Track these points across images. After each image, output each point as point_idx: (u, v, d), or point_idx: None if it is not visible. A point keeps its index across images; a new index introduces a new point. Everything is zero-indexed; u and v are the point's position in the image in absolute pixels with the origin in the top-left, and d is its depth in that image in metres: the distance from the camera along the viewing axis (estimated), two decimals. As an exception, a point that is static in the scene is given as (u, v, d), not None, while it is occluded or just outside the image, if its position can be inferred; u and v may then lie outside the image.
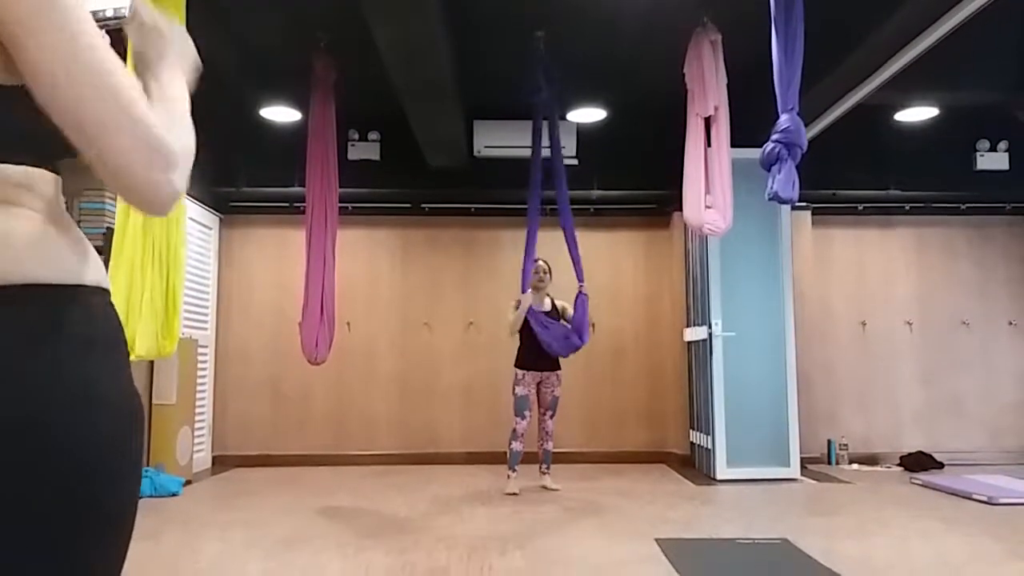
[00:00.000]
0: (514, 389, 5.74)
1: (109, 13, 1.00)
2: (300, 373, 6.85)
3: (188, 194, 6.31)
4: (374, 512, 5.02)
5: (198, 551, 3.86)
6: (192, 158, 0.93)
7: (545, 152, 5.71)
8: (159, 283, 3.38)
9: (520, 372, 5.74)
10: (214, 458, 7.02)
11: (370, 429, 7.25)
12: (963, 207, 7.42)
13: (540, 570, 3.57)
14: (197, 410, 6.46)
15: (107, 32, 1.08)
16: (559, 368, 5.83)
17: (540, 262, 5.83)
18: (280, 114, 6.77)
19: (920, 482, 6.08)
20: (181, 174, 0.89)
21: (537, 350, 5.69)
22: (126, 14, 1.01)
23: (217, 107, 6.69)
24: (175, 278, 3.47)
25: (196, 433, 6.42)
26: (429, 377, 7.32)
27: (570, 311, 5.80)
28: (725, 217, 4.83)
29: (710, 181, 4.87)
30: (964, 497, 5.39)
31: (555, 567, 3.62)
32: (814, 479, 6.30)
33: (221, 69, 6.03)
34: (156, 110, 0.89)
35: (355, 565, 3.66)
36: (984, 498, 5.22)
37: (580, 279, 5.75)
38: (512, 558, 3.79)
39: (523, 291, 5.64)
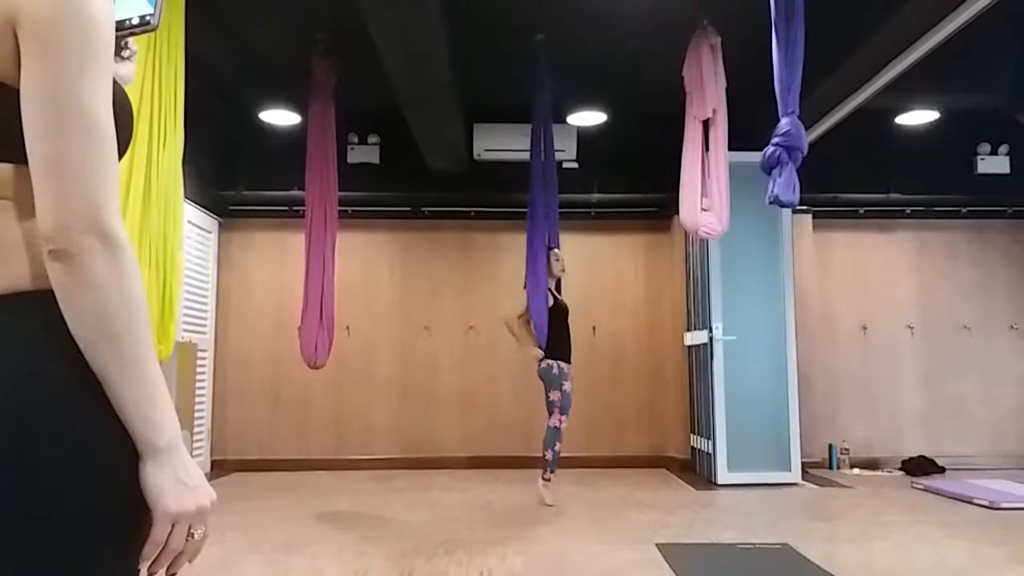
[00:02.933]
0: (562, 385, 5.35)
1: (135, 21, 1.00)
2: (299, 377, 6.83)
3: (187, 197, 6.29)
4: (373, 517, 5.00)
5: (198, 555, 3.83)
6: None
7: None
8: (155, 285, 3.37)
9: (563, 365, 5.41)
10: (213, 462, 7.00)
11: (370, 433, 7.24)
12: (964, 211, 7.40)
13: (540, 575, 3.55)
14: (196, 414, 6.45)
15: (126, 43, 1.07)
16: None
17: (556, 249, 5.65)
18: (280, 117, 6.77)
19: (921, 486, 6.06)
20: (96, 247, 0.81)
21: (568, 338, 5.52)
22: (152, 21, 1.00)
23: (216, 110, 6.70)
24: (172, 281, 3.46)
25: (195, 437, 6.41)
26: (429, 381, 7.31)
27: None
28: (721, 220, 4.82)
29: (707, 184, 4.86)
30: (965, 501, 5.37)
31: (555, 572, 3.60)
32: (815, 483, 6.28)
33: (220, 72, 6.03)
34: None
35: (354, 570, 3.64)
36: (985, 502, 5.20)
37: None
38: (512, 563, 3.77)
39: (533, 315, 5.34)
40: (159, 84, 3.47)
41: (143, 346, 0.84)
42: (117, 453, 0.83)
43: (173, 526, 0.86)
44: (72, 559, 0.80)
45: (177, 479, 0.86)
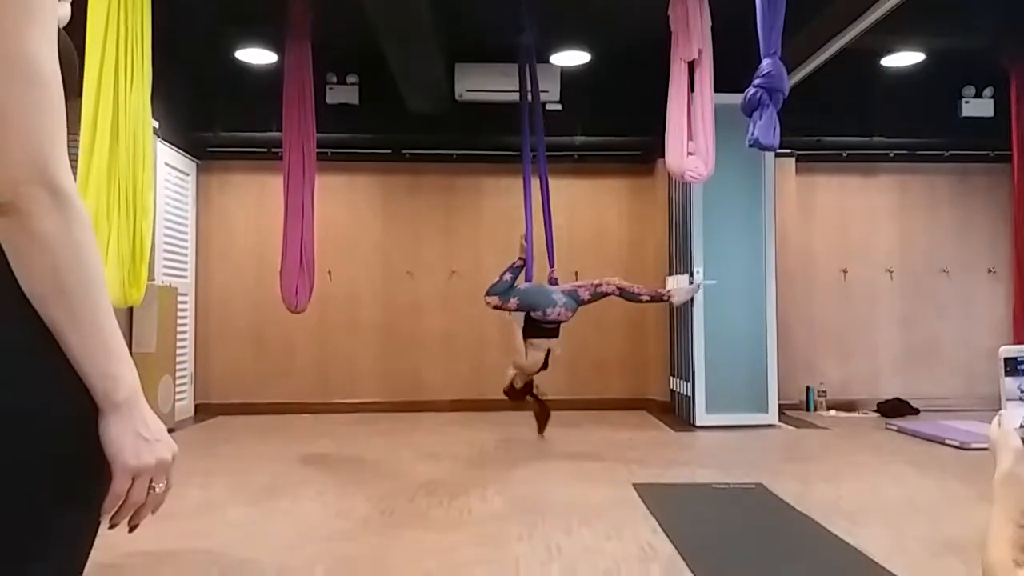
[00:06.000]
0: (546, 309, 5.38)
1: None
2: (282, 321, 6.79)
3: (164, 139, 6.19)
4: (356, 459, 5.05)
5: (180, 498, 3.87)
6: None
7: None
8: (126, 229, 3.31)
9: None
10: (197, 406, 7.02)
11: (353, 377, 7.27)
12: (947, 154, 7.39)
13: (519, 514, 3.61)
14: (178, 358, 6.44)
15: None
16: None
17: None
18: (256, 56, 6.62)
19: (895, 428, 6.18)
20: (45, 200, 0.78)
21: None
22: None
23: (192, 50, 6.53)
24: (142, 223, 3.41)
25: (178, 381, 6.41)
26: (412, 325, 7.32)
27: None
28: (707, 164, 4.79)
29: (692, 127, 4.80)
30: (937, 442, 5.48)
31: (534, 511, 3.66)
32: (792, 425, 6.38)
33: (195, 10, 5.86)
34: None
35: (336, 511, 3.69)
36: (956, 443, 5.31)
37: (551, 260, 5.64)
38: (492, 503, 3.83)
39: (526, 255, 5.47)
40: (124, 19, 3.35)
41: (98, 300, 0.83)
42: (75, 406, 0.82)
43: (133, 480, 0.85)
44: (29, 513, 0.79)
45: (136, 433, 0.85)
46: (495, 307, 5.33)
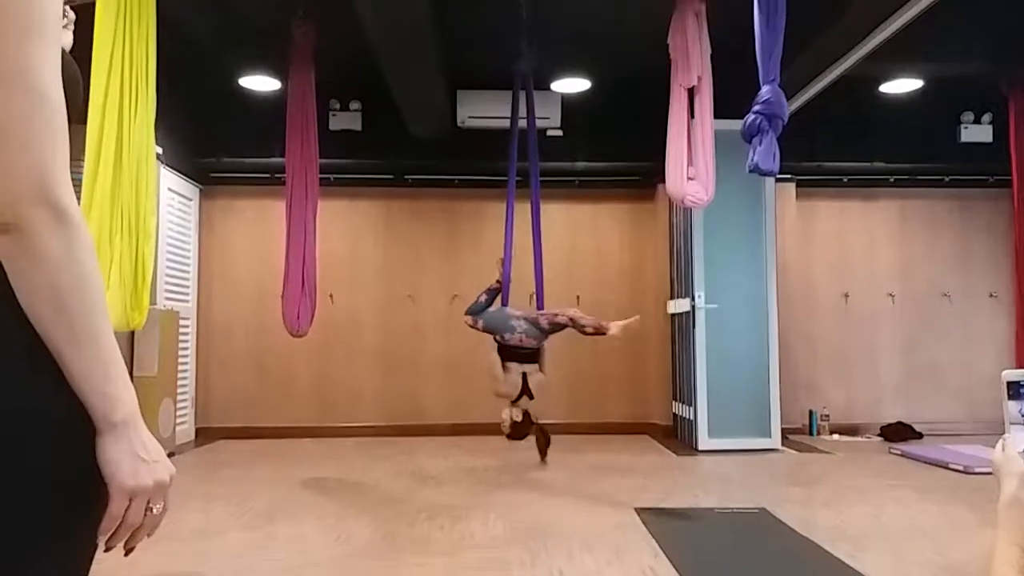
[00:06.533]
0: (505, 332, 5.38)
1: None
2: (284, 345, 6.82)
3: (167, 164, 6.24)
4: (357, 484, 5.03)
5: (180, 522, 3.86)
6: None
7: (524, 123, 5.68)
8: (128, 253, 3.33)
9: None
10: (198, 430, 7.01)
11: (354, 401, 7.25)
12: (947, 179, 7.43)
13: (521, 539, 3.59)
14: (180, 382, 6.44)
15: (74, 9, 1.04)
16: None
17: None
18: (259, 83, 6.69)
19: (898, 452, 6.15)
20: (47, 220, 0.79)
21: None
22: None
23: (196, 77, 6.60)
24: (145, 248, 3.43)
25: (179, 405, 6.40)
26: (413, 350, 7.32)
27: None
28: (707, 189, 4.80)
29: (693, 153, 4.82)
30: (941, 467, 5.46)
31: (536, 536, 3.64)
32: (795, 449, 6.36)
33: (199, 38, 5.93)
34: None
35: (336, 535, 3.67)
36: (960, 467, 5.29)
37: (539, 294, 5.62)
38: (493, 527, 3.81)
39: (503, 278, 5.48)
40: (130, 47, 3.39)
41: (98, 320, 0.83)
42: (73, 426, 0.82)
43: (130, 501, 0.85)
44: (28, 520, 0.79)
45: (134, 454, 0.85)
46: (470, 326, 5.44)
